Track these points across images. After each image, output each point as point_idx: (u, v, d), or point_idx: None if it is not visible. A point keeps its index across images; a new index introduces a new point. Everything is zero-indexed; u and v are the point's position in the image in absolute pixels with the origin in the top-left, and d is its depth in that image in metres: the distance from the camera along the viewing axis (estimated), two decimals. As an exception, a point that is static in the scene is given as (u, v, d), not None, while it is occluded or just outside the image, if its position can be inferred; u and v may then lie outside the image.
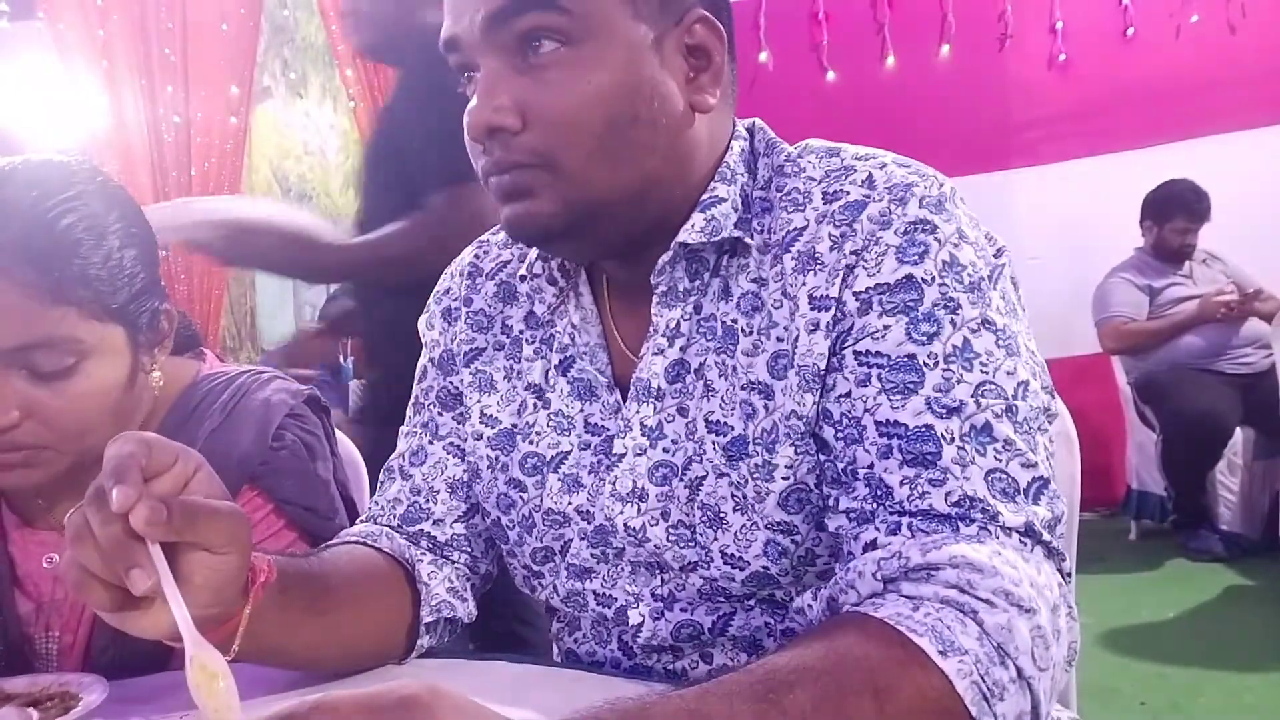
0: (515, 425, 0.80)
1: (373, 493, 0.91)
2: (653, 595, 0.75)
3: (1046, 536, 0.60)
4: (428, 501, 0.84)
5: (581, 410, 0.77)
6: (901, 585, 0.57)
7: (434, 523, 0.84)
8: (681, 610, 0.74)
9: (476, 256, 0.88)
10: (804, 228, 0.69)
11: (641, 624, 0.75)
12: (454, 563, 0.84)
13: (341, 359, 3.33)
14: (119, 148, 3.52)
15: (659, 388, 0.73)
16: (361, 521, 0.87)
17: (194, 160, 3.70)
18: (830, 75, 4.33)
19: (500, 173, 0.68)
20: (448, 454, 0.85)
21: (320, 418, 0.98)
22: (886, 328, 0.64)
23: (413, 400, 0.89)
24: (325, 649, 0.74)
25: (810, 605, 0.64)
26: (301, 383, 1.00)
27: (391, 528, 0.84)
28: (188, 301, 3.70)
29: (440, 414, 0.86)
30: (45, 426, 0.80)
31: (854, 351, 0.65)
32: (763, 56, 4.25)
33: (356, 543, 0.82)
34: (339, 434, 1.28)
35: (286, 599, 0.67)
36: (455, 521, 0.84)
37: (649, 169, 0.70)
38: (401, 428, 0.89)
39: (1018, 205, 4.01)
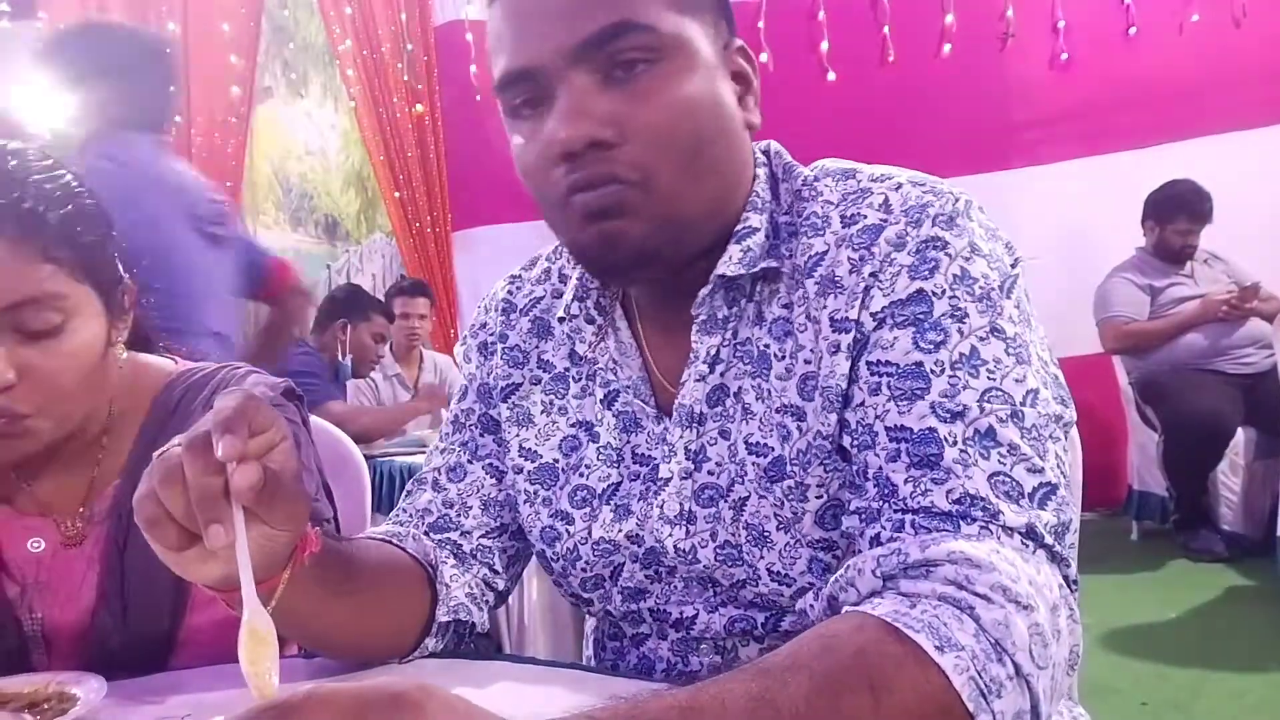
0: (558, 461, 0.81)
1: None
2: (706, 601, 0.76)
3: (1050, 540, 0.59)
4: (459, 515, 0.85)
5: (629, 442, 0.78)
6: (900, 582, 0.57)
7: (461, 533, 0.85)
8: (736, 608, 0.75)
9: (510, 292, 0.89)
10: (824, 252, 0.71)
11: (696, 615, 0.76)
12: (474, 573, 0.85)
13: (340, 357, 3.32)
14: (119, 147, 3.52)
15: (700, 412, 0.75)
16: (387, 523, 0.88)
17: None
18: (831, 76, 4.34)
19: (592, 188, 0.67)
20: (486, 474, 0.86)
21: (297, 406, 0.98)
22: (896, 338, 0.65)
23: (451, 418, 0.90)
24: (340, 632, 0.75)
25: (812, 605, 0.64)
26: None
27: (418, 532, 0.85)
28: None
29: (481, 435, 0.87)
30: (36, 390, 0.81)
31: (867, 362, 0.66)
32: (763, 57, 4.25)
33: (381, 540, 0.82)
34: (335, 429, 1.28)
35: (320, 573, 0.67)
36: (482, 536, 0.85)
37: (726, 184, 0.72)
38: (435, 442, 0.90)
39: (1018, 205, 3.99)
